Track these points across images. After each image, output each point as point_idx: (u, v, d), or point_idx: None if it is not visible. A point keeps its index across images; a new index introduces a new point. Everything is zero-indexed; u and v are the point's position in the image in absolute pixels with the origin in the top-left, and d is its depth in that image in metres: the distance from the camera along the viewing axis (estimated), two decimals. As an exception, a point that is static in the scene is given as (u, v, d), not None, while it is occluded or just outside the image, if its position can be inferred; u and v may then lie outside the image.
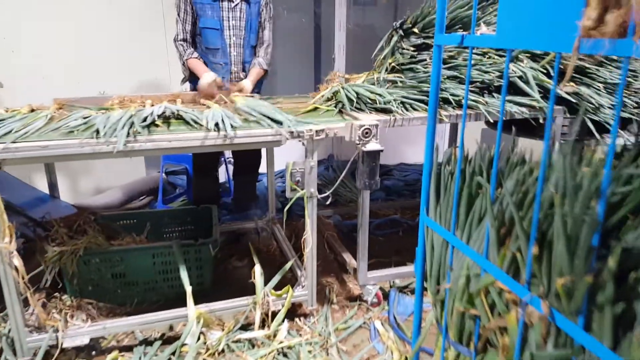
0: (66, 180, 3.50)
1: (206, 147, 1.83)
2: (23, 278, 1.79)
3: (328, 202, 2.03)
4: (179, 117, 1.96)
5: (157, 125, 1.87)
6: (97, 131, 1.73)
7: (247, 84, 2.63)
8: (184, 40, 2.72)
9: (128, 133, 1.73)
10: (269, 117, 1.95)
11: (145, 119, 1.85)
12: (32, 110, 2.02)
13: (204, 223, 2.66)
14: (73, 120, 1.85)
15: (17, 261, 1.76)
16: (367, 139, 1.89)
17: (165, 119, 1.94)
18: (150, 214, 2.73)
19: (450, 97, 2.07)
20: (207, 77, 2.51)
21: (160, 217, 2.72)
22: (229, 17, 2.72)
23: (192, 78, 2.78)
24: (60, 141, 1.69)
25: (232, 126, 1.84)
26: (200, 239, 2.33)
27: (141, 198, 3.56)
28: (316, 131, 1.88)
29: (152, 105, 2.09)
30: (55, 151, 1.67)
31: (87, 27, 3.42)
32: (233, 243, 2.94)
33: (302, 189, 1.95)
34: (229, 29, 2.72)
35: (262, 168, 3.13)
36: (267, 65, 2.85)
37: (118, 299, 2.33)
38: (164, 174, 3.62)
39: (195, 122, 1.89)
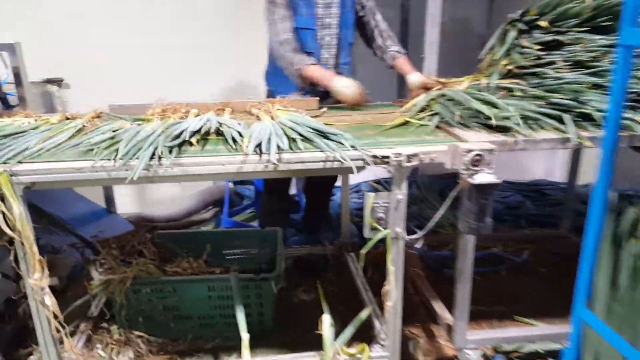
0: (129, 189, 3.35)
1: (244, 174, 1.50)
2: (56, 317, 1.56)
3: (419, 246, 1.60)
4: (219, 133, 1.66)
5: (191, 144, 1.57)
6: (117, 151, 1.47)
7: (417, 75, 2.27)
8: (290, 43, 2.28)
9: (152, 155, 1.44)
10: (324, 136, 1.58)
11: (177, 136, 1.56)
12: (67, 119, 1.79)
13: (268, 246, 2.35)
14: (99, 135, 1.61)
15: (49, 300, 1.52)
16: (477, 169, 1.43)
17: (206, 134, 1.66)
18: (209, 235, 2.46)
19: (594, 113, 1.54)
20: (345, 83, 2.17)
21: (221, 238, 2.44)
22: (323, 15, 2.32)
23: (311, 87, 2.39)
24: (69, 163, 1.44)
25: (278, 147, 1.49)
26: (261, 270, 2.02)
27: (207, 209, 3.33)
28: (407, 156, 1.46)
29: (197, 116, 1.83)
30: (62, 176, 1.43)
31: (166, 27, 3.23)
32: (300, 270, 2.59)
33: (385, 228, 1.54)
34: (322, 28, 2.32)
35: (338, 181, 2.76)
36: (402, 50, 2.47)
37: (171, 333, 2.07)
38: (231, 184, 3.37)
39: (235, 141, 1.57)
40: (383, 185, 3.59)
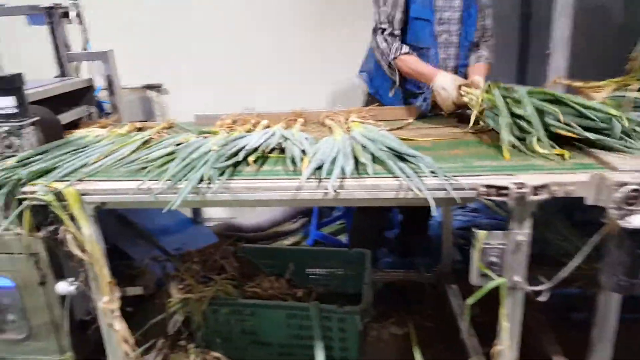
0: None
1: (300, 202, 1.37)
2: (127, 341, 1.48)
3: (545, 299, 1.26)
4: (283, 150, 1.48)
5: (248, 163, 1.40)
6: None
7: (481, 80, 1.87)
8: (390, 33, 2.00)
9: (201, 178, 1.29)
10: (400, 156, 1.32)
11: (233, 155, 1.41)
12: (138, 129, 1.76)
13: (356, 268, 2.13)
14: (159, 149, 1.52)
15: (119, 324, 1.44)
16: (632, 208, 1.06)
17: (268, 151, 1.50)
18: (294, 252, 2.30)
19: None
20: (445, 78, 1.83)
21: (305, 256, 2.26)
22: (443, 7, 1.99)
23: (402, 87, 2.10)
24: (113, 183, 1.35)
25: (342, 170, 1.26)
26: (346, 295, 1.80)
27: (295, 219, 3.20)
28: (534, 187, 1.13)
29: (267, 127, 1.70)
30: (107, 197, 1.34)
31: (270, 30, 3.13)
32: (391, 297, 2.32)
33: (499, 275, 1.22)
34: (441, 23, 2.00)
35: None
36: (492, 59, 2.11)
37: (249, 358, 1.94)
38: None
39: (294, 162, 1.37)
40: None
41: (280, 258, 2.25)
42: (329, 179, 1.24)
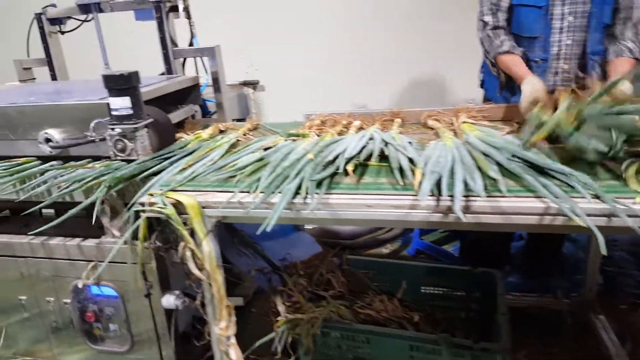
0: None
1: (413, 224, 1.26)
2: (242, 370, 1.34)
3: None
4: (384, 156, 1.32)
5: (346, 173, 1.23)
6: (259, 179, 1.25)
7: (627, 85, 1.50)
8: (494, 27, 1.81)
9: (298, 189, 1.15)
10: (540, 170, 1.11)
11: (330, 163, 1.26)
12: (221, 132, 1.70)
13: (480, 290, 1.89)
14: (248, 154, 1.43)
15: (235, 353, 1.30)
16: None
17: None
18: (406, 268, 2.07)
19: None
20: (526, 86, 1.58)
21: (419, 272, 2.03)
22: None
23: (510, 84, 1.86)
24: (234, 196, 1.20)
25: (465, 185, 1.06)
26: (469, 320, 1.56)
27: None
28: None
29: (360, 129, 1.55)
30: (228, 211, 1.21)
31: (369, 27, 2.93)
32: (521, 325, 2.03)
33: None
34: (563, 4, 1.72)
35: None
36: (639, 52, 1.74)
37: (361, 387, 1.76)
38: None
39: (402, 172, 1.18)
40: None
41: (391, 272, 2.05)
42: (450, 197, 1.04)
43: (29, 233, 1.61)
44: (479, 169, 1.15)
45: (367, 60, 2.97)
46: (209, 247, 1.19)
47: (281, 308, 1.72)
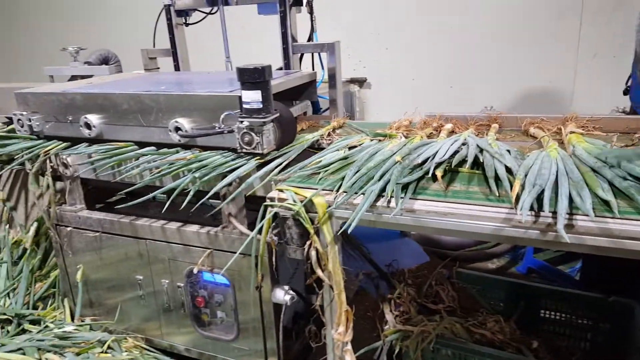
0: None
1: (507, 239, 1.05)
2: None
3: None
4: (477, 163, 1.23)
5: (434, 178, 1.16)
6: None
7: None
8: None
9: (382, 191, 1.12)
10: None
11: (418, 167, 1.20)
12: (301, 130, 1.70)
13: (612, 320, 1.72)
14: (332, 152, 1.44)
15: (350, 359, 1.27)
16: None
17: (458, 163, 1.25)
18: (523, 287, 1.93)
19: None
20: None
21: (538, 293, 1.89)
22: None
23: None
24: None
25: (570, 202, 0.98)
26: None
27: (504, 239, 2.79)
28: None
29: (452, 134, 1.49)
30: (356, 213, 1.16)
31: (485, 23, 2.80)
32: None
33: None
34: None
35: None
36: None
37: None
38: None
39: (499, 183, 1.10)
40: None
41: (505, 290, 1.92)
42: (551, 215, 0.96)
43: (167, 218, 1.73)
44: (587, 185, 1.05)
45: (481, 61, 2.83)
46: (334, 249, 1.18)
47: (389, 317, 1.68)
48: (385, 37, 2.97)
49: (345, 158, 1.38)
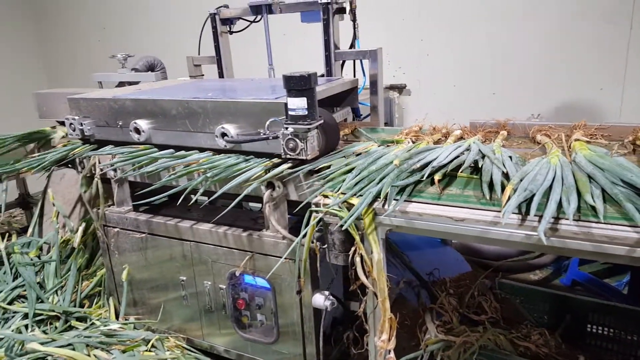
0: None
1: (492, 241, 1.09)
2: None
3: None
4: (477, 169, 1.25)
5: (432, 182, 1.21)
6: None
7: None
8: None
9: (376, 195, 1.17)
10: None
11: (416, 171, 1.25)
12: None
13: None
14: (337, 158, 1.50)
15: (393, 366, 1.28)
16: None
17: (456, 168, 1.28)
18: (569, 300, 1.88)
19: None
20: None
21: (585, 306, 1.83)
22: None
23: None
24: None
25: (559, 207, 1.00)
26: None
27: (546, 250, 2.73)
28: None
29: (460, 139, 1.52)
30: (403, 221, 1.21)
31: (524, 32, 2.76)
32: None
33: None
34: None
35: None
36: None
37: None
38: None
39: (492, 188, 1.13)
40: None
41: (549, 302, 1.88)
42: (538, 216, 0.99)
43: (212, 221, 1.81)
44: (578, 191, 1.06)
45: (524, 68, 2.78)
46: (378, 256, 1.19)
47: (431, 326, 1.67)
48: (427, 43, 2.96)
49: (347, 163, 1.45)
